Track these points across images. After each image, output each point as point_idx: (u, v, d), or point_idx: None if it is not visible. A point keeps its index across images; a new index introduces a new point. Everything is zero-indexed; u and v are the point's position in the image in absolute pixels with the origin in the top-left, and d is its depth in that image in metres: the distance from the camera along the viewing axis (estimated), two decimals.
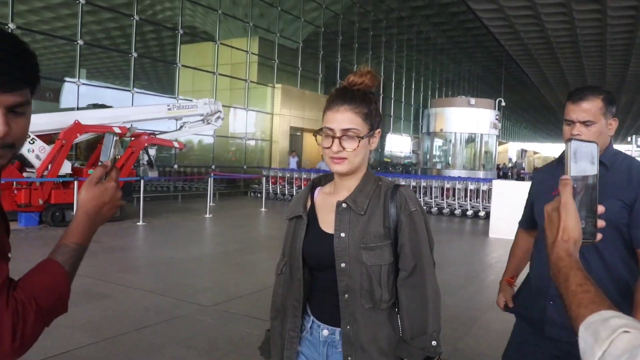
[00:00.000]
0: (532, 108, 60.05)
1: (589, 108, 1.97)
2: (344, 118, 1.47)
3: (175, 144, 11.19)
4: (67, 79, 13.29)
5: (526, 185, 12.23)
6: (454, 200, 14.71)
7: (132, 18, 13.91)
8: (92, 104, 12.95)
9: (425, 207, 13.63)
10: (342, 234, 1.50)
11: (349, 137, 1.48)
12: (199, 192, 16.48)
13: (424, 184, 15.21)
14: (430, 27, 32.83)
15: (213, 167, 16.65)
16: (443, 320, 1.57)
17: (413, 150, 32.88)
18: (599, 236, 0.98)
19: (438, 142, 24.12)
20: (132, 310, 4.76)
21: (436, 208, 14.70)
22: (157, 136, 11.00)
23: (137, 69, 14.42)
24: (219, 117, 12.03)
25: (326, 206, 1.58)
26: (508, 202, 10.54)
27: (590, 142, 0.98)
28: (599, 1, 24.46)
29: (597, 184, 0.97)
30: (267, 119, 19.24)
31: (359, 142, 1.48)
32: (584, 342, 0.77)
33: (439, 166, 23.59)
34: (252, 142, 19.27)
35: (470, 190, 14.64)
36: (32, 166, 8.89)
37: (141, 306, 4.87)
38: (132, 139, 10.26)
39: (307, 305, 1.59)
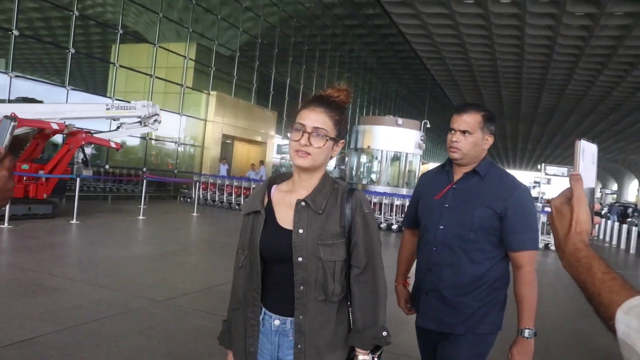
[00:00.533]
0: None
1: (469, 120, 2.23)
2: (317, 118, 1.60)
3: (112, 144, 11.10)
4: None
5: None
6: (380, 214, 15.47)
7: (71, 13, 13.60)
8: (21, 97, 12.56)
9: None
10: (301, 231, 1.58)
11: (318, 135, 1.59)
12: (128, 194, 16.23)
13: None
14: (361, 46, 33.94)
15: (144, 169, 16.45)
16: None
17: (336, 165, 33.57)
18: (594, 232, 1.02)
19: (364, 158, 24.95)
20: (86, 302, 4.87)
21: None
22: (94, 135, 10.87)
23: (73, 65, 14.09)
24: (156, 120, 12.02)
25: (283, 203, 1.66)
26: None
27: (593, 143, 1.02)
28: (519, 37, 26.41)
29: (595, 183, 1.03)
30: (200, 125, 19.26)
31: (326, 142, 1.59)
32: (625, 325, 0.82)
33: (364, 181, 24.40)
34: (184, 148, 19.18)
35: (397, 205, 15.51)
36: None
37: (94, 299, 4.99)
38: (69, 136, 10.11)
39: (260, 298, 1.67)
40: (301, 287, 1.57)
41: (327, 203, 1.62)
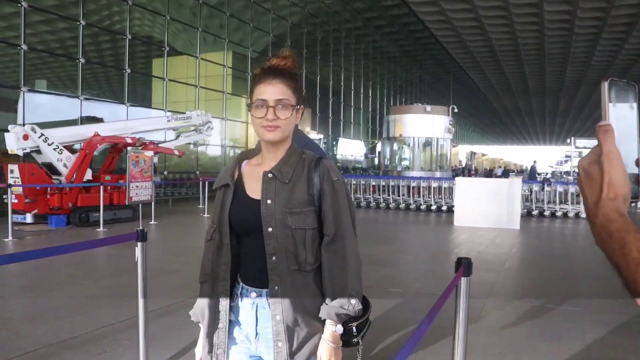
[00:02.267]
0: (478, 112, 63.19)
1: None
2: (276, 90, 1.56)
3: (176, 152, 12.37)
4: (69, 93, 14.10)
5: (483, 182, 14.44)
6: (419, 197, 16.43)
7: (124, 37, 14.95)
8: (86, 116, 13.94)
9: (394, 204, 15.52)
10: (269, 201, 1.57)
11: (283, 106, 1.56)
12: (183, 196, 17.54)
13: (392, 184, 16.91)
14: (382, 37, 34.68)
15: (197, 172, 17.76)
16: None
17: (365, 154, 34.39)
18: None
19: (397, 146, 25.85)
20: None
21: (404, 204, 16.36)
22: (159, 145, 12.14)
23: (129, 83, 15.40)
24: (209, 127, 13.24)
25: (253, 175, 1.66)
26: (469, 197, 12.45)
27: (630, 82, 0.80)
28: (537, 14, 26.84)
29: (638, 131, 0.79)
30: (242, 127, 20.64)
31: (292, 110, 1.58)
32: None
33: (399, 168, 25.31)
34: (229, 150, 20.57)
35: (433, 187, 16.45)
36: (58, 173, 9.90)
37: None
38: (141, 148, 11.37)
39: (237, 273, 1.66)
40: (273, 258, 1.57)
41: (293, 172, 1.61)
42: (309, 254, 1.58)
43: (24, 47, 12.05)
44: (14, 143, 9.18)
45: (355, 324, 1.60)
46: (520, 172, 46.93)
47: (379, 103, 35.58)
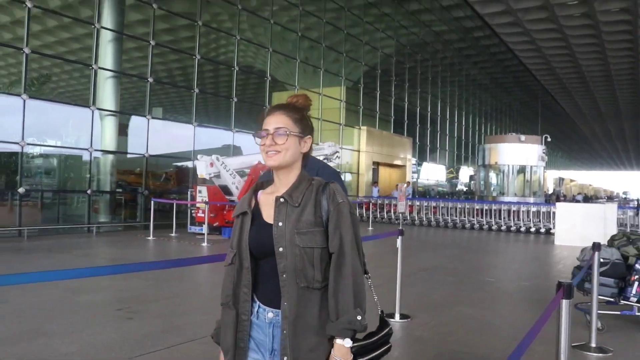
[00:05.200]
0: (567, 138, 62.25)
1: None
2: (276, 119, 1.71)
3: None
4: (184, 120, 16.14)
5: (581, 207, 16.18)
6: (519, 220, 17.73)
7: (232, 68, 17.04)
8: (225, 144, 16.34)
9: (495, 226, 16.86)
10: (280, 223, 1.67)
11: (280, 134, 1.69)
12: None
13: (495, 208, 18.34)
14: (471, 65, 35.85)
15: None
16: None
17: (471, 177, 35.33)
18: None
19: (492, 173, 27.09)
20: None
21: (505, 227, 17.67)
22: None
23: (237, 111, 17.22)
24: (337, 156, 15.21)
25: (268, 203, 1.75)
26: (569, 219, 13.90)
27: None
28: (631, 40, 27.24)
29: None
30: (354, 155, 22.91)
31: (288, 137, 1.69)
32: None
33: (494, 193, 26.47)
34: (345, 175, 22.73)
35: (532, 212, 17.75)
36: (230, 194, 12.14)
37: None
38: None
39: (254, 292, 1.73)
40: (284, 275, 1.64)
41: (303, 197, 1.70)
42: (317, 272, 1.64)
43: (150, 79, 14.18)
44: (203, 169, 11.54)
45: (353, 344, 1.63)
46: (610, 198, 46.07)
47: (464, 129, 36.64)
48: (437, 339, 4.73)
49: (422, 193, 29.35)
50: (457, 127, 35.08)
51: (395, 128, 26.73)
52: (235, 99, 16.96)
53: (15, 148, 11.57)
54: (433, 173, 32.68)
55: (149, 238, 11.80)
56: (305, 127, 1.76)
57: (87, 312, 5.26)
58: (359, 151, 23.18)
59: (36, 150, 12.88)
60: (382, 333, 1.77)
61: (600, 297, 4.80)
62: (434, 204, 19.73)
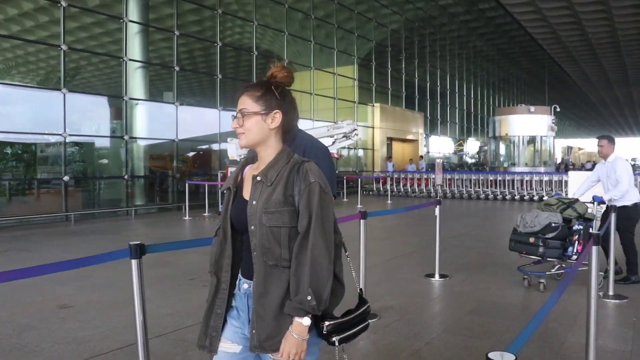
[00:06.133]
0: (574, 106, 62.22)
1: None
2: (240, 101, 1.74)
3: (336, 155, 15.18)
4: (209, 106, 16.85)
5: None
6: (531, 189, 18.40)
7: (251, 53, 17.83)
8: None
9: (509, 196, 17.55)
10: (254, 202, 1.70)
11: (244, 115, 1.72)
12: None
13: (509, 178, 19.01)
14: (476, 37, 36.06)
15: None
16: None
17: (455, 152, 35.79)
18: None
19: (502, 144, 27.63)
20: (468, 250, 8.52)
21: (519, 196, 18.33)
22: None
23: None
24: (355, 134, 15.88)
25: (249, 179, 1.80)
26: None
27: None
28: (638, 5, 27.31)
29: None
30: (369, 131, 23.61)
31: (251, 117, 1.71)
32: None
33: (505, 164, 27.11)
34: (359, 151, 23.46)
35: (545, 181, 18.41)
36: None
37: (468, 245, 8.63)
38: None
39: (236, 263, 1.80)
40: (254, 253, 1.69)
41: (277, 176, 1.70)
42: (284, 251, 1.66)
43: (177, 68, 14.82)
44: (234, 151, 12.24)
45: (326, 323, 1.66)
46: None
47: (473, 102, 37.03)
48: (475, 293, 5.46)
49: (431, 166, 29.96)
50: (466, 99, 35.45)
51: (407, 103, 27.31)
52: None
53: (58, 139, 12.33)
54: (442, 146, 33.18)
55: (185, 218, 12.62)
56: (269, 102, 1.73)
57: (166, 283, 5.97)
58: (373, 127, 23.93)
59: (76, 140, 13.56)
60: (360, 311, 1.78)
61: (549, 259, 5.49)
62: (448, 176, 20.40)
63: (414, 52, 28.10)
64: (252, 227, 1.69)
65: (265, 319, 1.67)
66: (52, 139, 12.61)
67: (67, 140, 12.46)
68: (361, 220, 4.57)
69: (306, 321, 1.61)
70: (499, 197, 18.51)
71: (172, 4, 15.08)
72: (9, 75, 13.76)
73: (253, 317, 1.69)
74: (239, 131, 1.74)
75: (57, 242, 9.39)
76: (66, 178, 12.37)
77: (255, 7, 17.66)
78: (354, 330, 1.74)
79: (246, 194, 1.77)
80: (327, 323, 1.66)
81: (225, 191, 1.85)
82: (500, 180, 19.17)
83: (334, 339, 1.68)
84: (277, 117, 1.73)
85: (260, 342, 1.67)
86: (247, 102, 1.73)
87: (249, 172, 1.83)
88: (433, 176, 20.47)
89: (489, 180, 19.43)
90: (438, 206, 6.21)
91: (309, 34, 20.27)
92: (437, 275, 6.05)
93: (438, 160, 18.75)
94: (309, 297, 1.59)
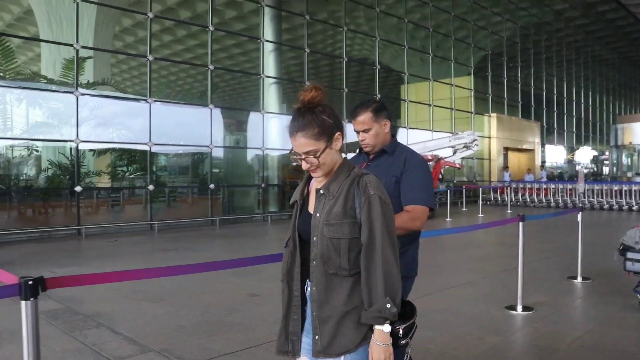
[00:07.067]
0: None
1: (362, 119, 2.56)
2: (299, 144, 1.76)
3: (457, 165, 15.52)
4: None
5: None
6: None
7: (374, 67, 18.21)
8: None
9: (636, 207, 16.84)
10: (317, 214, 1.80)
11: (309, 157, 1.78)
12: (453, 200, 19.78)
13: (635, 188, 18.25)
14: (594, 41, 34.51)
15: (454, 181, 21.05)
16: None
17: (569, 160, 34.15)
18: None
19: (626, 153, 26.27)
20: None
21: None
22: (446, 160, 15.37)
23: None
24: (476, 144, 16.10)
25: (314, 192, 1.89)
26: None
27: None
28: None
29: None
30: (485, 141, 23.56)
31: (320, 154, 1.77)
32: None
33: (629, 174, 25.77)
34: (476, 161, 23.52)
35: None
36: None
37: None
38: (433, 162, 14.66)
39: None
40: (314, 262, 1.79)
41: (339, 189, 1.79)
42: (344, 261, 1.73)
43: (346, 89, 15.80)
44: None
45: (402, 326, 1.73)
46: None
47: (590, 109, 35.27)
48: (619, 293, 5.64)
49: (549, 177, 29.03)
50: (583, 107, 33.97)
51: (523, 113, 26.89)
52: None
53: (204, 150, 13.70)
54: (556, 155, 32.13)
55: None
56: (326, 131, 1.76)
57: None
58: (489, 137, 23.87)
59: (219, 151, 14.74)
60: (415, 314, 1.83)
61: None
62: (569, 186, 19.88)
63: (529, 59, 27.54)
64: (314, 238, 1.79)
65: (327, 324, 1.75)
66: (200, 150, 13.98)
67: (212, 153, 13.79)
68: (520, 223, 5.27)
69: (387, 328, 1.68)
70: (625, 207, 17.82)
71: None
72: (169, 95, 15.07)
73: (315, 323, 1.78)
74: (310, 169, 1.81)
75: (212, 243, 10.53)
76: (212, 186, 13.68)
77: (378, 25, 18.31)
78: (414, 329, 1.81)
79: (311, 207, 1.86)
80: (403, 326, 1.74)
81: (293, 204, 1.95)
82: (626, 191, 18.40)
83: (403, 341, 1.75)
84: (339, 138, 1.82)
85: (324, 348, 1.74)
86: (310, 143, 1.75)
87: (315, 184, 1.91)
88: (553, 186, 20.07)
89: (614, 190, 18.74)
90: (580, 213, 6.73)
91: (426, 45, 20.65)
92: (579, 278, 6.36)
93: (580, 169, 18.40)
94: (389, 305, 1.66)
